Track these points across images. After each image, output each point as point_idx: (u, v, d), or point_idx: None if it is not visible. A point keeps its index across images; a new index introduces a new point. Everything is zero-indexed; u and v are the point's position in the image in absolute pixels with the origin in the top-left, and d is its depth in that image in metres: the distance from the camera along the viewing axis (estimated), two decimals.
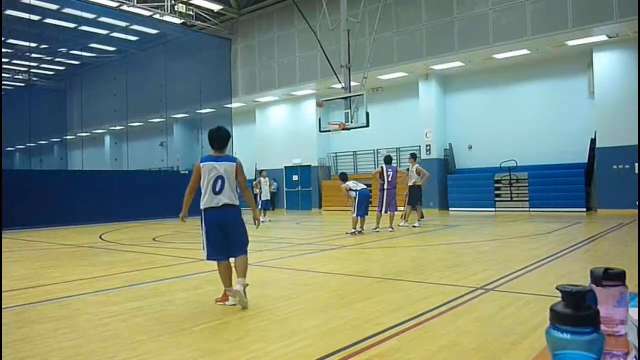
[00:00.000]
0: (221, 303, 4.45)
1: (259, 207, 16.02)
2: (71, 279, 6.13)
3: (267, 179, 16.11)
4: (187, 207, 4.69)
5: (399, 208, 12.51)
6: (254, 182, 16.48)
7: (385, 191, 11.40)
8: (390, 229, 11.18)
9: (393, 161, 12.47)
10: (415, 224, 12.13)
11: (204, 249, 4.50)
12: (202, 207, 4.45)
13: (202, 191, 4.46)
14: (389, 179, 11.43)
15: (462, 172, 18.71)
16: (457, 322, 3.72)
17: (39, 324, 4.00)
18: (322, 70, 18.86)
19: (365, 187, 11.31)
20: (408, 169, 12.83)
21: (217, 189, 4.42)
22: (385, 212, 11.40)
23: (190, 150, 23.49)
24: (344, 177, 11.67)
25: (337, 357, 3.02)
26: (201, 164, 4.49)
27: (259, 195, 16.08)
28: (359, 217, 10.84)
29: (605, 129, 14.95)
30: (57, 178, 16.31)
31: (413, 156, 12.82)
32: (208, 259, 4.50)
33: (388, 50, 17.55)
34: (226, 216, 4.46)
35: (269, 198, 16.28)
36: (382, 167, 11.62)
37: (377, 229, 11.27)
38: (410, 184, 12.49)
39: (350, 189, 11.08)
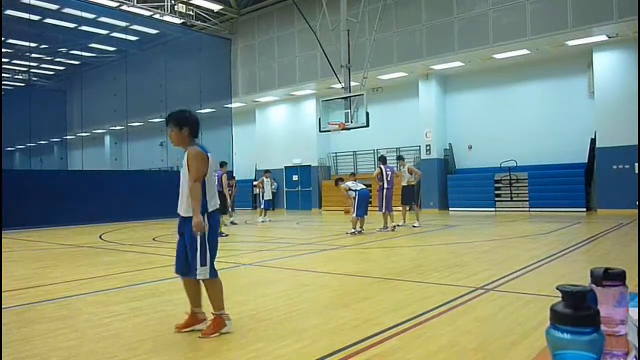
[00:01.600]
0: (216, 335, 3.49)
1: (261, 206, 16.00)
2: (71, 279, 6.13)
3: (269, 179, 16.12)
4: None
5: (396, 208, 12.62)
6: (256, 182, 16.48)
7: (385, 190, 11.49)
8: (390, 229, 11.23)
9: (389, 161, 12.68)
10: (415, 224, 12.14)
11: (205, 264, 3.55)
12: (210, 209, 3.64)
13: (207, 189, 3.67)
14: (388, 178, 11.57)
15: (462, 172, 18.71)
16: (457, 322, 3.72)
17: (39, 324, 4.00)
18: (322, 70, 18.85)
19: (364, 187, 11.34)
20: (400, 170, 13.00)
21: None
22: (386, 211, 11.48)
23: None
24: (340, 181, 11.84)
25: (337, 357, 3.02)
26: (208, 155, 3.71)
27: (260, 195, 16.05)
28: (358, 218, 10.85)
29: (605, 129, 14.95)
30: (57, 178, 16.31)
31: (401, 158, 13.21)
32: (212, 276, 3.60)
33: (388, 50, 17.55)
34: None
35: (271, 198, 16.25)
36: (380, 168, 11.68)
37: (386, 228, 11.36)
38: (404, 184, 12.54)
39: (350, 189, 11.08)
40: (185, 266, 3.67)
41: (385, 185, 11.47)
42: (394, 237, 10.17)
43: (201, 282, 3.64)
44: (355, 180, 11.61)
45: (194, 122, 3.74)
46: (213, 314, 3.59)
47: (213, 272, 3.60)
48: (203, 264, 3.53)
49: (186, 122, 3.69)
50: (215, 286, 3.62)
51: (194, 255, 3.55)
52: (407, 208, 12.71)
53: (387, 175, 11.54)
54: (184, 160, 3.70)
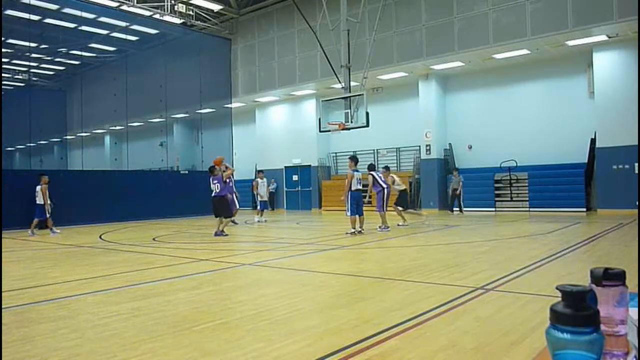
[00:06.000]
0: None
1: (258, 207, 15.83)
2: (71, 279, 6.13)
3: (264, 179, 15.96)
4: None
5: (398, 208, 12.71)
6: (253, 183, 16.40)
7: (384, 190, 11.75)
8: (386, 229, 11.38)
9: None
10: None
11: None
12: None
13: None
14: (382, 181, 11.86)
15: (462, 172, 18.66)
16: (457, 322, 3.72)
17: (39, 324, 4.00)
18: (322, 70, 18.86)
19: (360, 189, 11.17)
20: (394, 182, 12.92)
21: None
22: (384, 211, 11.62)
23: (190, 150, 23.48)
24: (355, 160, 11.35)
25: (337, 357, 3.02)
26: None
27: (257, 196, 15.87)
28: (356, 216, 10.84)
29: (605, 129, 14.95)
30: (57, 178, 16.28)
31: (387, 168, 13.10)
32: None
33: (388, 50, 17.55)
34: None
35: (266, 199, 16.01)
36: (372, 175, 11.81)
37: (387, 228, 11.44)
38: (401, 189, 12.85)
39: (351, 184, 10.95)
40: None
41: (385, 186, 11.81)
42: (394, 237, 10.17)
43: None
44: (359, 179, 11.37)
45: None
46: None
47: None
48: None
49: None
50: None
51: None
52: (400, 209, 12.83)
53: (379, 178, 11.86)
54: None
